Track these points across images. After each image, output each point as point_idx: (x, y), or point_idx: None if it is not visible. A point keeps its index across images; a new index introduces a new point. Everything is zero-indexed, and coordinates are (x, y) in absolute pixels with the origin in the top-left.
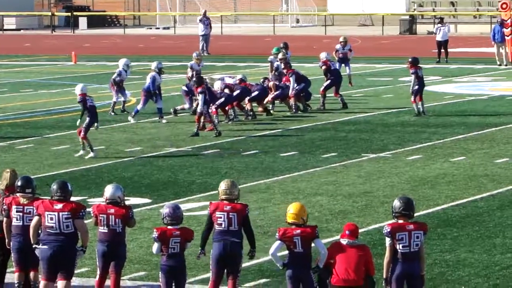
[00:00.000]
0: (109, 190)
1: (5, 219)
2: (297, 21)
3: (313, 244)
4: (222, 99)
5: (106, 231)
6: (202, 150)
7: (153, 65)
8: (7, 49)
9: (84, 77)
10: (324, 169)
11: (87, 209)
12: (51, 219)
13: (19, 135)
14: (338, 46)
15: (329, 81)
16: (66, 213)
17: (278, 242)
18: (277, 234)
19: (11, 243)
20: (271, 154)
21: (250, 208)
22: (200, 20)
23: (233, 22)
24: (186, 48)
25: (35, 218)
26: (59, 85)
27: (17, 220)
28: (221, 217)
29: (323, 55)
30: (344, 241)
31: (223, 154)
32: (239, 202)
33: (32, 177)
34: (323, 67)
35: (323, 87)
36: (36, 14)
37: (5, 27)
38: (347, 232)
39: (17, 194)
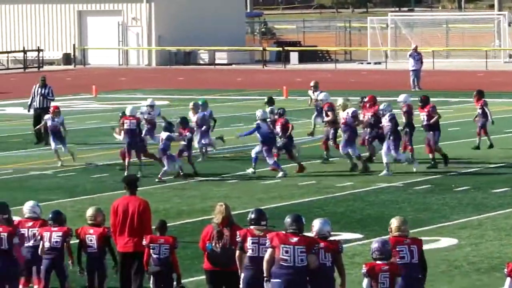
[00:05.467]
0: (317, 224)
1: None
2: (510, 56)
3: None
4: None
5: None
6: (413, 186)
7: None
8: (219, 84)
9: (296, 112)
10: None
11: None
12: (286, 252)
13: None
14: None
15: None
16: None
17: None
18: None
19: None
20: (483, 190)
21: (462, 245)
22: (410, 55)
23: (445, 57)
24: (396, 82)
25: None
26: None
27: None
28: (402, 250)
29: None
30: None
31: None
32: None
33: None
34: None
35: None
36: (247, 49)
37: (216, 62)
38: None
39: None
